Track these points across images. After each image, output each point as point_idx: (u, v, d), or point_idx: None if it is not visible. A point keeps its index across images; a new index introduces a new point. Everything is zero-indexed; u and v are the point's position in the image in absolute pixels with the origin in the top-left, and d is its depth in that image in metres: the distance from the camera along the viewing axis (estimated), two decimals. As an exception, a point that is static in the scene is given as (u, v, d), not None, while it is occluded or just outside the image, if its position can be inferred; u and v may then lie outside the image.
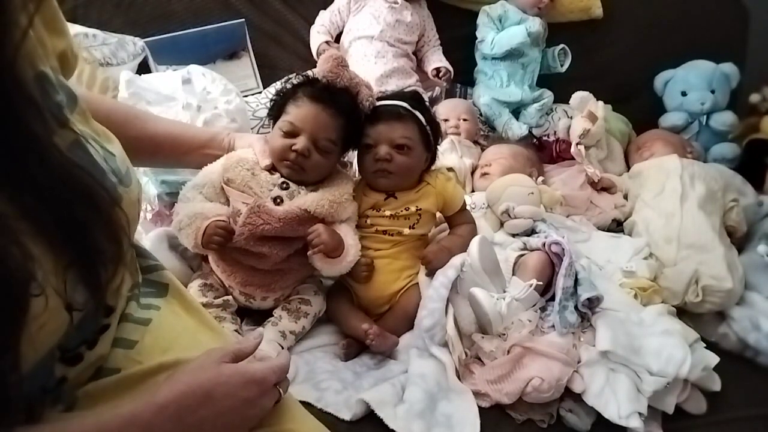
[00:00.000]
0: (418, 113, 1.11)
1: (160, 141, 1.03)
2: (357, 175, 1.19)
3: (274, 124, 1.08)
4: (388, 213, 1.09)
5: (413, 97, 1.16)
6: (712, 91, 1.78)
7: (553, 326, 1.03)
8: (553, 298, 1.05)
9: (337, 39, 1.69)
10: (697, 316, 1.25)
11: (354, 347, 1.05)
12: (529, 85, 1.75)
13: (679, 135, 1.77)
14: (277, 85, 1.33)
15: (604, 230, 1.45)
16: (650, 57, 1.88)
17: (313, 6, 1.69)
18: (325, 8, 1.69)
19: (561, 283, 1.04)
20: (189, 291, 1.02)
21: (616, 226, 1.49)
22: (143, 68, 1.47)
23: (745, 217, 1.43)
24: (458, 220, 1.17)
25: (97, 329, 0.60)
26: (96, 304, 0.54)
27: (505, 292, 1.05)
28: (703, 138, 1.80)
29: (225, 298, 1.04)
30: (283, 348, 0.99)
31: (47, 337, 0.49)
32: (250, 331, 1.04)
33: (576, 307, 1.05)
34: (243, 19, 1.59)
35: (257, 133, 1.40)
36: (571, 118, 1.70)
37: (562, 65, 1.77)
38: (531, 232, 1.25)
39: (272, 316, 1.04)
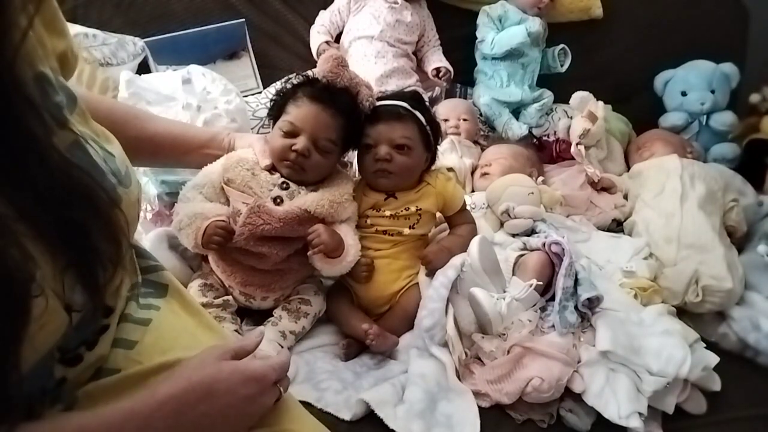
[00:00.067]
0: (418, 113, 1.11)
1: (160, 141, 1.03)
2: (357, 175, 1.19)
3: (274, 124, 1.07)
4: (388, 213, 1.09)
5: (413, 97, 1.16)
6: (712, 91, 1.78)
7: (553, 326, 1.03)
8: (553, 298, 1.05)
9: (337, 39, 1.69)
10: (697, 316, 1.24)
11: (354, 347, 1.05)
12: (529, 85, 1.75)
13: (679, 135, 1.77)
14: (277, 85, 1.33)
15: (604, 230, 1.45)
16: (650, 57, 1.88)
17: (313, 6, 1.69)
18: (325, 8, 1.69)
19: (561, 283, 1.04)
20: (189, 291, 1.02)
21: (616, 226, 1.49)
22: (143, 68, 1.47)
23: (745, 217, 1.43)
24: (458, 220, 1.17)
25: (96, 330, 0.60)
26: (95, 305, 0.54)
27: (505, 292, 1.05)
28: (703, 138, 1.80)
29: (225, 298, 1.04)
30: (282, 348, 0.99)
31: (46, 338, 0.49)
32: (250, 331, 1.04)
33: (576, 307, 1.05)
34: (243, 19, 1.59)
35: (257, 133, 1.40)
36: (571, 118, 1.70)
37: (562, 65, 1.77)
38: (531, 232, 1.25)
39: (272, 316, 1.04)
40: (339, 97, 1.05)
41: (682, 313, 1.22)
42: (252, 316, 1.09)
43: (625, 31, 1.88)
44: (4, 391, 0.44)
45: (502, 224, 1.30)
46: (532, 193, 1.34)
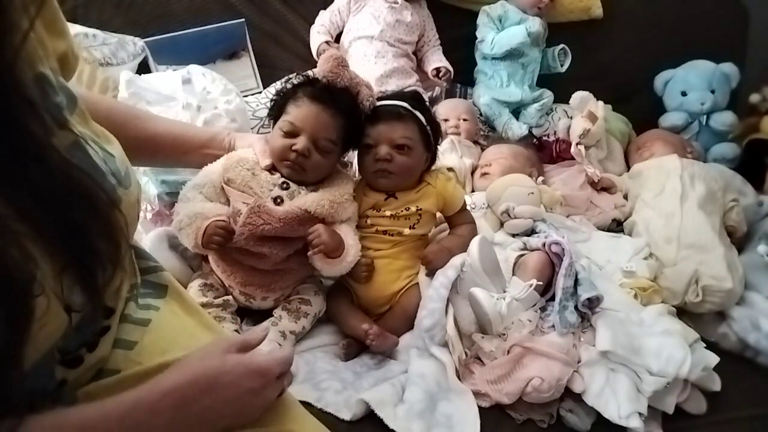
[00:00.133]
0: (418, 113, 1.11)
1: (161, 141, 1.03)
2: (357, 175, 1.19)
3: (274, 124, 1.08)
4: (388, 213, 1.09)
5: (413, 97, 1.16)
6: (712, 91, 1.78)
7: (553, 326, 1.03)
8: (553, 298, 1.05)
9: (337, 39, 1.69)
10: (697, 316, 1.24)
11: (354, 347, 1.05)
12: (529, 85, 1.75)
13: (679, 135, 1.77)
14: (277, 85, 1.33)
15: (604, 230, 1.45)
16: (650, 57, 1.88)
17: (313, 6, 1.69)
18: (325, 8, 1.68)
19: (561, 283, 1.04)
20: (189, 291, 1.02)
21: (616, 226, 1.49)
22: (143, 68, 1.47)
23: (745, 217, 1.43)
24: (458, 220, 1.17)
25: (97, 331, 0.60)
26: (94, 306, 0.54)
27: (505, 292, 1.05)
28: (703, 138, 1.80)
29: (225, 298, 1.04)
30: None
31: (46, 338, 0.49)
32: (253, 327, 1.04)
33: (576, 307, 1.05)
34: (243, 19, 1.59)
35: (257, 133, 1.40)
36: (571, 118, 1.70)
37: (562, 65, 1.77)
38: (531, 232, 1.25)
39: (272, 316, 1.04)
40: (339, 97, 1.05)
41: (682, 313, 1.22)
42: (252, 316, 1.09)
43: (625, 31, 1.88)
44: (7, 390, 0.44)
45: (502, 224, 1.30)
46: (532, 193, 1.34)
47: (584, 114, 1.62)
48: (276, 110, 1.08)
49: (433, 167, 1.16)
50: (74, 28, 1.36)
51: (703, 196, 1.38)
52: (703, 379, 1.04)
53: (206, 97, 1.27)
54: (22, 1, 0.47)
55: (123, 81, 1.25)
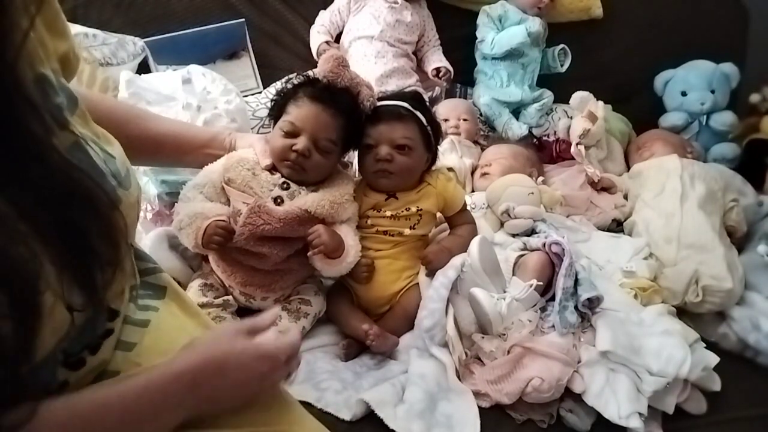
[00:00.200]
0: (418, 113, 1.11)
1: (161, 140, 1.03)
2: (357, 176, 1.19)
3: (274, 124, 1.07)
4: (388, 213, 1.09)
5: (414, 98, 1.16)
6: (712, 91, 1.78)
7: (553, 326, 1.03)
8: (553, 298, 1.05)
9: (337, 39, 1.69)
10: (697, 316, 1.24)
11: (354, 347, 1.05)
12: (529, 85, 1.75)
13: (679, 135, 1.77)
14: (277, 85, 1.33)
15: (604, 230, 1.45)
16: (650, 57, 1.88)
17: (313, 6, 1.69)
18: (325, 8, 1.68)
19: (561, 283, 1.04)
20: (189, 291, 1.03)
21: (616, 226, 1.49)
22: (143, 68, 1.47)
23: (745, 217, 1.43)
24: (458, 220, 1.17)
25: (101, 333, 0.60)
26: (95, 306, 0.54)
27: (505, 292, 1.05)
28: (703, 138, 1.80)
29: (225, 298, 1.04)
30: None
31: (51, 335, 0.49)
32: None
33: (576, 307, 1.05)
34: (243, 19, 1.59)
35: (257, 133, 1.40)
36: (571, 118, 1.70)
37: (562, 65, 1.77)
38: (531, 232, 1.25)
39: (272, 316, 1.04)
40: (339, 97, 1.05)
41: (682, 313, 1.22)
42: (252, 316, 1.08)
43: (625, 31, 1.88)
44: (19, 383, 0.45)
45: (502, 224, 1.30)
46: (532, 193, 1.34)
47: (584, 114, 1.62)
48: (276, 110, 1.08)
49: (434, 167, 1.16)
50: (74, 28, 1.36)
51: (703, 196, 1.38)
52: (703, 379, 1.04)
53: (206, 97, 1.27)
54: (23, 1, 0.47)
55: (123, 81, 1.25)
